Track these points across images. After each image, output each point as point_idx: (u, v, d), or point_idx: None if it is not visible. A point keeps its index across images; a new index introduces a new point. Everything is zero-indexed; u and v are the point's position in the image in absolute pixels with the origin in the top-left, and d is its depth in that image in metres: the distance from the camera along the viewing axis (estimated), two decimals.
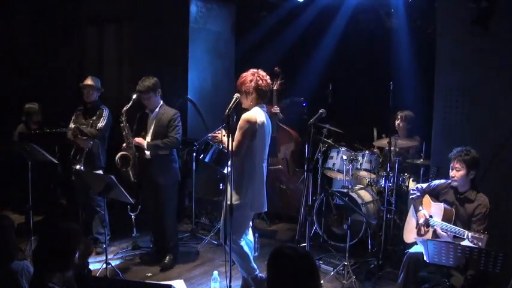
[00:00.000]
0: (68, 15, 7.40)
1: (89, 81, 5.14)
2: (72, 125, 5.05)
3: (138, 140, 4.63)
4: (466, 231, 3.44)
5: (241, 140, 3.65)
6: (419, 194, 3.99)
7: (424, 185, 4.06)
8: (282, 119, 6.18)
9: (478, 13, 4.32)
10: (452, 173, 3.77)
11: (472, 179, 3.76)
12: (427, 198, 3.96)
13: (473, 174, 3.74)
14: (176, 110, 4.79)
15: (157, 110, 4.71)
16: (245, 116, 3.71)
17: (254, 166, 3.76)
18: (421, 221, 3.83)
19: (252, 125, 3.67)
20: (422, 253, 3.45)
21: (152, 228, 5.00)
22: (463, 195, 3.77)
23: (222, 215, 3.81)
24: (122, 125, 4.65)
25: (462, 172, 3.71)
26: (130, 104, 4.63)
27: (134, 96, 4.63)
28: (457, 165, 3.72)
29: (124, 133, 4.66)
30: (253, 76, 3.73)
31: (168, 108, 4.76)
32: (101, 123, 5.11)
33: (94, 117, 5.11)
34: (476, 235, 3.34)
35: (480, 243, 3.28)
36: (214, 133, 3.92)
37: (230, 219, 3.50)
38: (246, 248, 3.88)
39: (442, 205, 3.80)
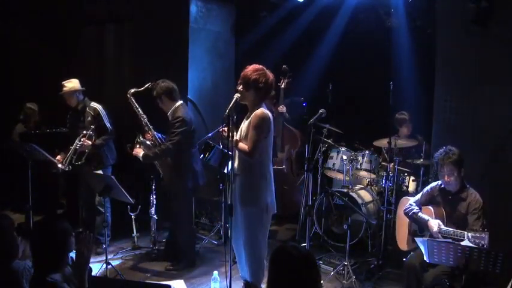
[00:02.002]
0: (68, 15, 7.39)
1: (64, 89, 5.06)
2: (86, 132, 4.96)
3: (136, 151, 4.60)
4: (466, 233, 3.37)
5: (258, 139, 3.46)
6: (418, 207, 3.83)
7: (417, 197, 3.94)
8: (288, 118, 6.08)
9: (478, 13, 4.32)
10: (446, 178, 3.65)
11: (461, 176, 3.70)
12: None
13: (463, 171, 3.68)
14: (185, 113, 4.64)
15: (169, 113, 4.65)
16: (259, 113, 3.50)
17: (268, 165, 3.61)
18: (435, 229, 3.57)
19: (267, 122, 3.51)
20: (418, 257, 3.42)
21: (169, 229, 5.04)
22: (455, 195, 3.71)
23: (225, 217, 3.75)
24: (134, 106, 4.68)
25: (455, 174, 3.63)
26: (141, 89, 4.70)
27: (148, 84, 4.71)
28: (448, 169, 3.62)
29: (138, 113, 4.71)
30: (265, 74, 3.55)
31: (177, 111, 4.62)
32: (107, 123, 5.10)
33: (89, 118, 5.05)
34: (477, 234, 3.27)
35: (483, 242, 3.21)
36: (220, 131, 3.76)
37: (230, 220, 3.43)
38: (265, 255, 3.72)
39: (430, 208, 3.76)
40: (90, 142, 4.97)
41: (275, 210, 3.74)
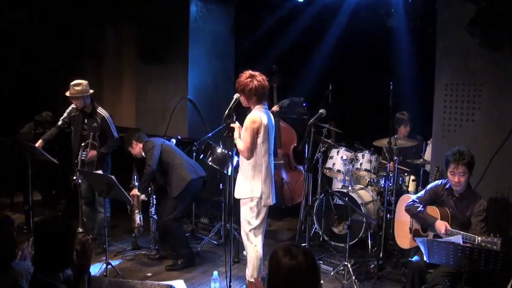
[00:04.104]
0: (68, 15, 7.40)
1: (71, 92, 4.89)
2: (87, 142, 4.97)
3: (133, 193, 4.81)
4: (477, 237, 3.30)
5: (249, 140, 3.79)
6: (422, 205, 3.77)
7: (421, 194, 3.87)
8: (283, 114, 6.24)
9: (478, 13, 4.32)
10: (456, 178, 3.58)
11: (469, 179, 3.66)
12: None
13: (471, 175, 3.65)
14: (151, 142, 4.87)
15: (143, 153, 4.86)
16: (249, 117, 3.83)
17: (260, 161, 3.87)
18: (443, 231, 3.52)
19: (257, 124, 3.79)
20: (424, 258, 3.39)
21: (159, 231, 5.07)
22: (460, 197, 3.67)
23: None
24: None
25: (467, 176, 3.58)
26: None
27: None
28: (461, 170, 3.55)
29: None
30: (252, 81, 3.78)
31: (148, 149, 4.79)
32: (114, 132, 5.07)
33: (95, 124, 4.99)
34: (489, 239, 3.20)
35: (495, 247, 3.15)
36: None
37: (231, 218, 3.65)
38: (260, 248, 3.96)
39: (435, 208, 3.71)
40: (95, 152, 4.98)
41: (271, 202, 3.97)
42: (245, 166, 3.89)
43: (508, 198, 4.41)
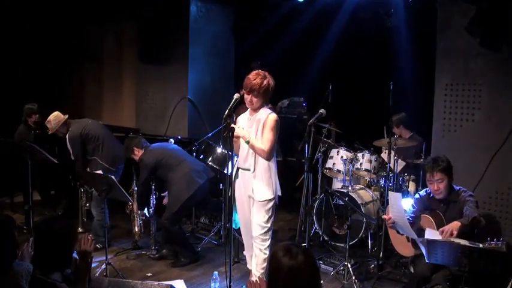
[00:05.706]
0: (68, 15, 7.40)
1: (50, 129, 5.06)
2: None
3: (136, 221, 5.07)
4: (480, 244, 3.16)
5: (274, 139, 3.71)
6: (415, 218, 3.71)
7: (410, 210, 3.78)
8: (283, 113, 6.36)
9: (478, 13, 4.33)
10: (435, 186, 3.55)
11: (450, 184, 3.61)
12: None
13: (452, 179, 3.60)
14: (148, 154, 4.83)
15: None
16: (273, 117, 3.73)
17: (275, 160, 3.86)
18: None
19: (279, 124, 3.75)
20: (426, 265, 3.36)
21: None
22: (445, 200, 3.61)
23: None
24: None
25: (445, 182, 3.54)
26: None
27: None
28: (437, 177, 3.53)
29: None
30: (268, 81, 3.70)
31: (143, 158, 4.83)
32: (71, 151, 5.07)
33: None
34: (493, 244, 3.08)
35: (501, 251, 3.04)
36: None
37: (231, 218, 3.57)
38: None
39: (428, 217, 3.62)
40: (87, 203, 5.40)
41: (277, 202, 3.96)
42: (265, 167, 3.75)
43: (507, 199, 4.41)
